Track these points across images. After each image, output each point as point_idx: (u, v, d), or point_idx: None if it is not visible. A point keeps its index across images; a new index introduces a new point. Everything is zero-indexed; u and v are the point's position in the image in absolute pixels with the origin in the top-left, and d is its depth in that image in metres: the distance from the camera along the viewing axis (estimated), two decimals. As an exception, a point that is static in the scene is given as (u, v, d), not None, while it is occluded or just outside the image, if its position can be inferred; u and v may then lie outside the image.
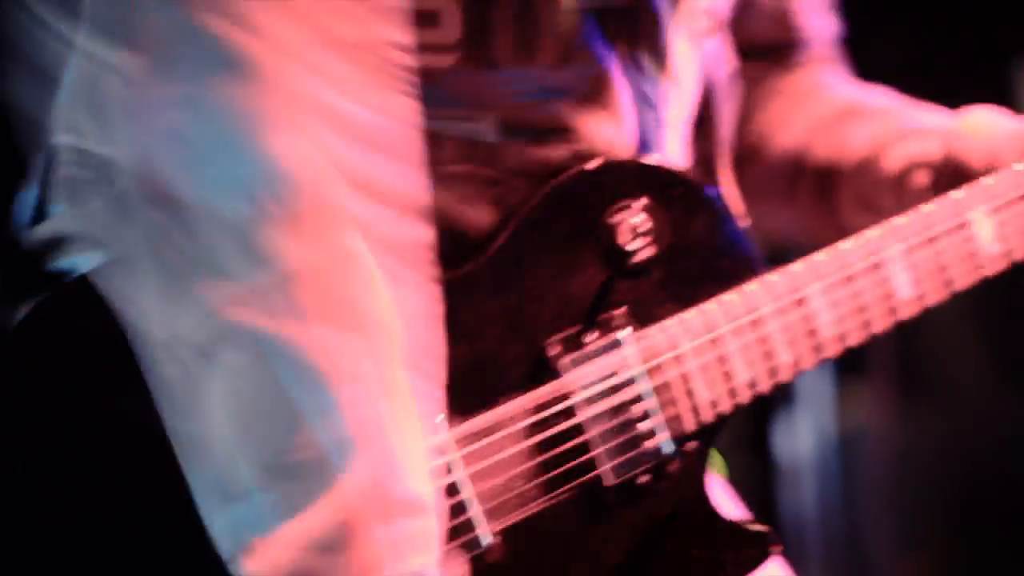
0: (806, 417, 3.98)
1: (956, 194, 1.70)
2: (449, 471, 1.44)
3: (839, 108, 1.99)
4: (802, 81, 2.03)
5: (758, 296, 1.60)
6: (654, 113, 1.64)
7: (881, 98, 2.01)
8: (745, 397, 1.60)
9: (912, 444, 4.28)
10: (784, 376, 1.62)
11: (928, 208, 1.69)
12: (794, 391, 3.97)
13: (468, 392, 1.46)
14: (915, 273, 1.67)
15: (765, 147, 2.02)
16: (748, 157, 2.01)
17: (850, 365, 3.99)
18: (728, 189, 1.68)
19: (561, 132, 1.56)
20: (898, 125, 1.90)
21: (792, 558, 3.98)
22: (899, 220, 1.67)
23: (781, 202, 1.82)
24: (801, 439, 3.99)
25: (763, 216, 1.71)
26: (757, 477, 4.29)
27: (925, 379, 4.61)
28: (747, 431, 4.36)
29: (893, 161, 1.86)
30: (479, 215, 1.53)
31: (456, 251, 1.48)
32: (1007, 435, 4.26)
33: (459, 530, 1.44)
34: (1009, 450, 4.20)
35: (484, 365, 1.48)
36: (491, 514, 1.46)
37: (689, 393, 1.56)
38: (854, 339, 1.65)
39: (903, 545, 4.08)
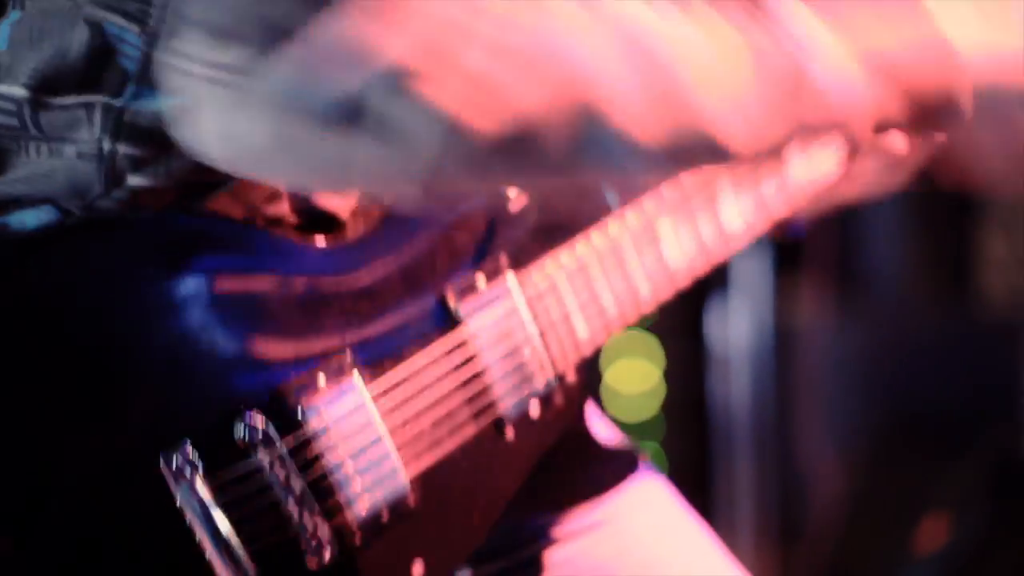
0: (742, 308, 4.02)
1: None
2: (370, 425, 1.49)
3: None
4: None
5: (619, 234, 1.70)
6: None
7: None
8: (616, 330, 1.71)
9: (846, 342, 4.35)
10: (647, 308, 1.73)
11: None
12: (730, 281, 4.01)
13: (379, 349, 1.52)
14: (743, 207, 1.82)
15: None
16: None
17: (788, 259, 4.03)
18: None
19: None
20: None
21: (720, 446, 4.06)
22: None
23: None
24: (736, 329, 4.04)
25: None
26: (690, 363, 4.35)
27: (862, 278, 4.66)
28: (682, 317, 4.41)
29: None
30: None
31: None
32: (940, 337, 4.33)
33: (382, 481, 1.50)
34: (941, 352, 4.27)
35: (390, 321, 1.53)
36: (407, 461, 1.52)
37: (570, 331, 1.66)
38: (701, 270, 1.79)
39: (831, 442, 4.16)
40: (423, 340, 1.54)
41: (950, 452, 3.90)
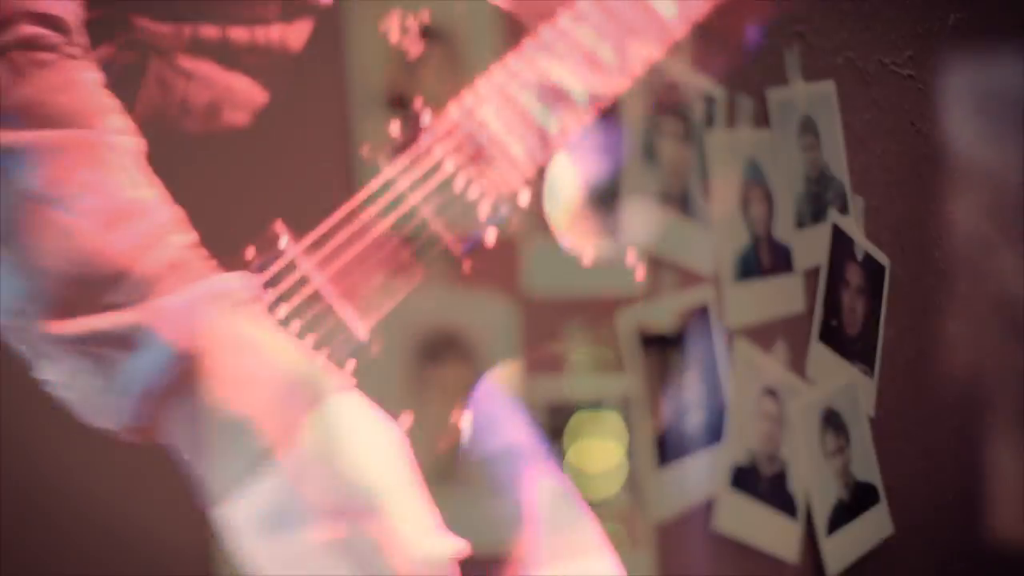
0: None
1: None
2: (307, 281, 1.53)
3: None
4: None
5: (532, 51, 1.67)
6: None
7: None
8: (559, 145, 1.68)
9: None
10: (584, 114, 1.70)
11: None
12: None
13: (303, 210, 1.55)
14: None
15: None
16: None
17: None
18: None
19: None
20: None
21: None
22: None
23: None
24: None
25: None
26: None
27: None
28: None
29: None
30: None
31: None
32: (900, 416, 4.38)
33: (334, 334, 1.53)
34: (901, 431, 4.31)
35: (308, 180, 1.58)
36: (361, 312, 1.56)
37: (503, 153, 1.65)
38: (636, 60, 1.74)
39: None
40: (345, 194, 1.56)
41: (909, 533, 3.93)
